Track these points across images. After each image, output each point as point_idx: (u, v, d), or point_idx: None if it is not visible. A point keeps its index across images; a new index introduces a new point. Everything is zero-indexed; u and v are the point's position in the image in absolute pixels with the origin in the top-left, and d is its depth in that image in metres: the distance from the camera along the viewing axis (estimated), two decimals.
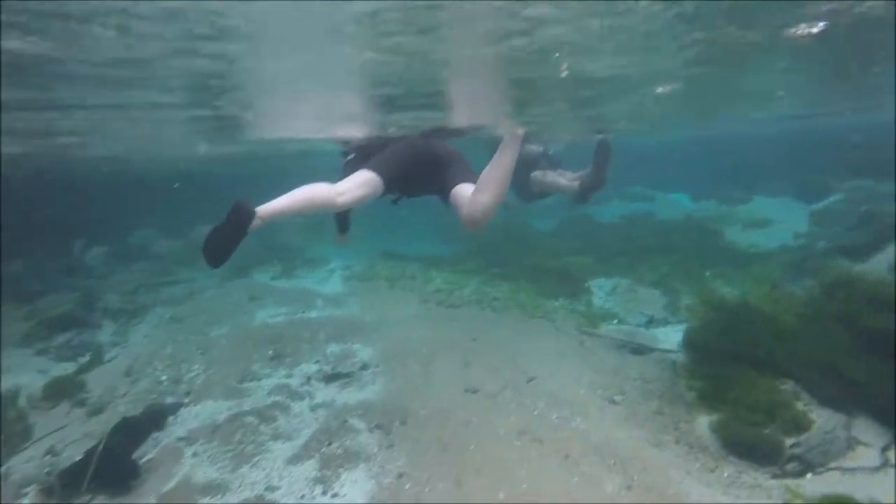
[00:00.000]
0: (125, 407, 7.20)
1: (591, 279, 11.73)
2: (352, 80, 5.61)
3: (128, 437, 6.27)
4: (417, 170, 4.66)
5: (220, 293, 11.96)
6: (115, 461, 5.78)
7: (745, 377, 6.32)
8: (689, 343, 7.56)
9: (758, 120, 15.13)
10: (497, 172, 3.84)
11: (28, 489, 5.68)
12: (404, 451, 5.96)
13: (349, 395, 7.28)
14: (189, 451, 6.16)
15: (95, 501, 5.44)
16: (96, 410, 7.14)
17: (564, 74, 5.71)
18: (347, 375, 7.80)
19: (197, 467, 5.88)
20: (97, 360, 8.67)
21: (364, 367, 8.02)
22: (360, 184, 4.29)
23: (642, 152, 26.20)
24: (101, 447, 5.80)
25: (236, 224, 3.55)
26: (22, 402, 7.30)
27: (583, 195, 6.60)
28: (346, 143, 7.32)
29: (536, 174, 7.05)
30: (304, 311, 10.62)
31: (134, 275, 13.39)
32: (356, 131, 8.04)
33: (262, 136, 9.19)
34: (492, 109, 7.39)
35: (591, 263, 12.81)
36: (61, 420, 6.99)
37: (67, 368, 8.51)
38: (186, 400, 7.32)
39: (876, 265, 9.97)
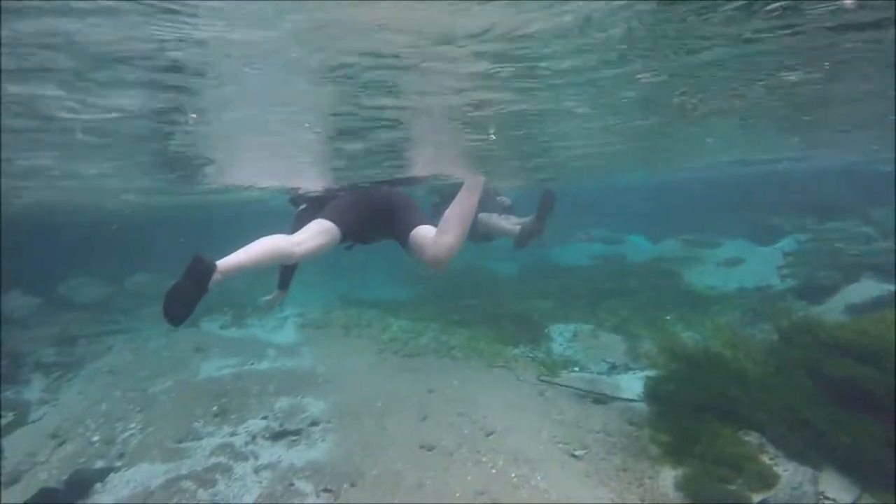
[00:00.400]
0: (47, 474, 6.57)
1: (551, 324, 11.50)
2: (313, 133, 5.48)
3: None
4: (372, 217, 4.69)
5: (163, 344, 11.33)
6: None
7: (709, 429, 6.11)
8: (651, 393, 7.34)
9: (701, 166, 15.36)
10: (460, 213, 4.02)
11: None
12: None
13: (297, 455, 6.80)
14: None
15: None
16: (12, 480, 6.49)
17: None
18: (296, 433, 7.32)
19: None
20: (20, 421, 7.98)
21: (314, 422, 7.54)
22: (316, 233, 4.26)
23: (599, 195, 26.58)
24: None
25: (196, 279, 3.42)
26: None
27: (522, 240, 6.57)
28: (295, 191, 7.08)
29: (482, 216, 7.02)
30: (253, 363, 10.10)
31: (70, 325, 12.60)
32: (312, 183, 7.83)
33: (219, 181, 8.80)
34: (451, 161, 7.33)
35: (551, 308, 12.62)
36: None
37: None
38: (118, 464, 6.73)
39: (833, 307, 10.03)
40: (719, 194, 21.93)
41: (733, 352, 7.49)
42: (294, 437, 7.22)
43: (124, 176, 7.80)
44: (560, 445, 6.79)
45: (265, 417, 7.79)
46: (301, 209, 5.39)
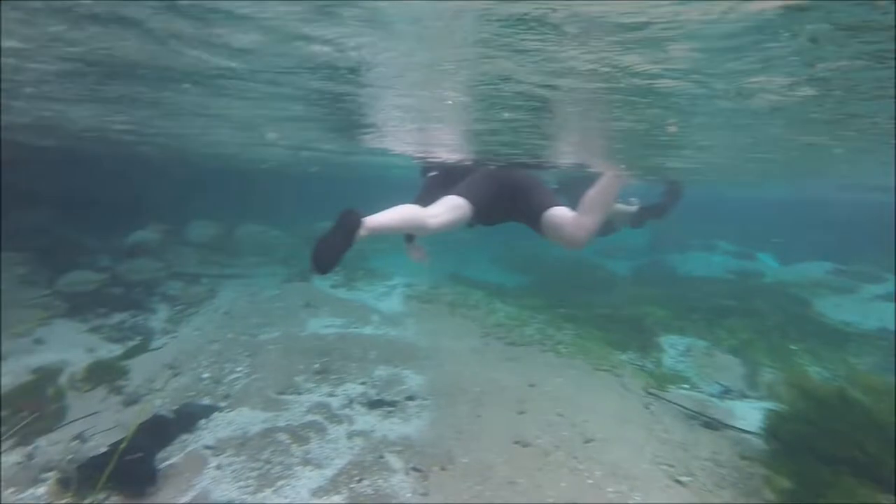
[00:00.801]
0: (161, 401, 6.95)
1: (663, 334, 10.85)
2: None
3: (155, 436, 5.98)
4: (505, 198, 4.78)
5: (277, 295, 11.77)
6: (137, 462, 5.46)
7: (841, 484, 5.43)
8: (772, 429, 6.67)
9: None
10: (601, 198, 4.16)
11: (48, 475, 5.44)
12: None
13: (390, 427, 6.77)
14: (213, 463, 5.78)
15: (108, 502, 5.13)
16: (132, 401, 6.92)
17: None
18: (391, 404, 7.31)
19: (218, 482, 5.49)
20: (144, 347, 8.53)
21: (411, 397, 7.50)
22: (451, 208, 4.39)
23: (732, 206, 24.94)
24: (124, 444, 5.50)
25: (344, 231, 3.62)
26: (63, 380, 7.17)
27: (640, 217, 6.46)
28: (426, 160, 7.05)
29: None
30: (357, 326, 10.24)
31: (195, 264, 13.37)
32: (449, 155, 7.86)
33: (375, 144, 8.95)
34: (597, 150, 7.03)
35: (665, 317, 11.90)
36: (96, 405, 6.79)
37: (114, 350, 8.40)
38: (222, 404, 7.00)
39: None
40: (871, 219, 19.91)
41: (875, 400, 6.65)
42: (389, 409, 7.20)
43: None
44: (663, 467, 6.33)
45: (363, 383, 7.84)
46: (431, 177, 5.47)
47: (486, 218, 4.83)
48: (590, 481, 5.88)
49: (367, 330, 10.09)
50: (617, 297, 13.35)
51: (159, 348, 8.63)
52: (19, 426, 5.99)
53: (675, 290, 14.57)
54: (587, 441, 6.66)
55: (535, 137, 6.45)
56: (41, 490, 5.27)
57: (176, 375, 7.71)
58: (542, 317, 11.73)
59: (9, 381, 6.98)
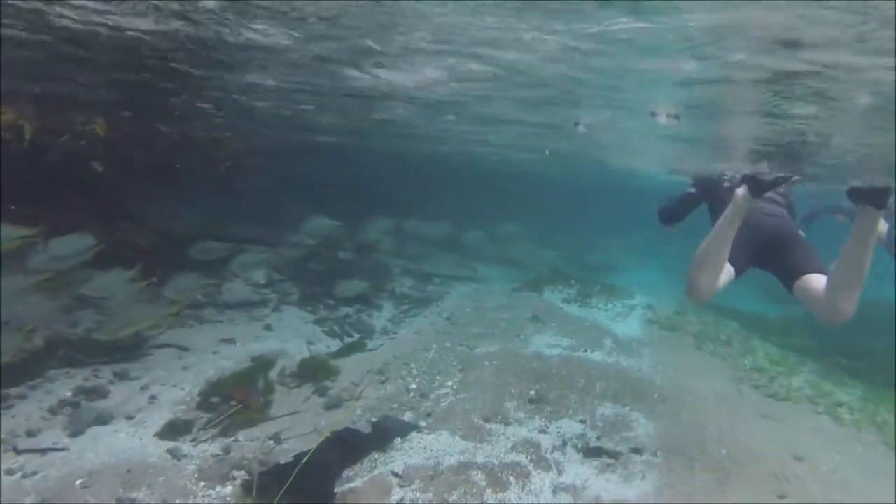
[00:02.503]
0: (361, 410, 6.53)
1: None
2: None
3: (345, 450, 5.51)
4: (762, 253, 4.40)
5: (503, 303, 11.03)
6: (318, 478, 5.01)
7: None
8: None
9: None
10: (855, 268, 3.48)
11: (238, 473, 5.24)
12: None
13: (607, 486, 5.50)
14: (398, 495, 5.08)
15: None
16: (334, 405, 6.59)
17: None
18: (613, 455, 6.01)
19: None
20: (360, 346, 8.34)
21: (637, 449, 6.12)
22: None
23: None
24: (307, 458, 5.08)
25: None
26: (274, 372, 7.15)
27: None
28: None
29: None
30: (586, 350, 9.02)
31: (427, 262, 13.26)
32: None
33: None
34: None
35: None
36: (299, 405, 6.61)
37: (332, 346, 8.33)
38: (423, 423, 6.34)
39: None
40: None
41: None
42: (609, 461, 5.92)
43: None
44: None
45: (582, 421, 6.66)
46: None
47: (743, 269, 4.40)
48: None
49: (597, 355, 8.81)
50: None
51: (374, 349, 8.37)
52: (226, 415, 5.96)
53: None
54: None
55: None
56: (228, 489, 5.05)
57: (384, 382, 7.30)
58: (815, 365, 9.37)
59: (231, 366, 7.17)
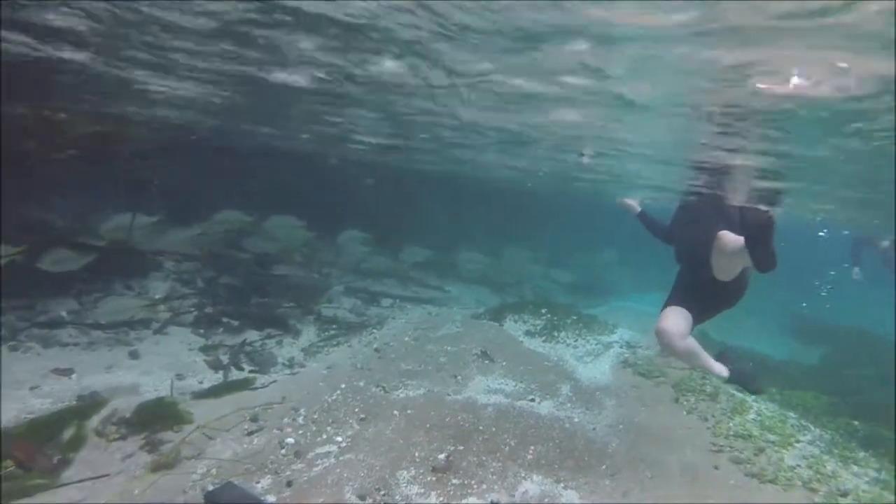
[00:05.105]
0: (201, 475, 4.93)
1: None
2: None
3: None
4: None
5: (453, 334, 9.39)
6: None
7: None
8: None
9: None
10: None
11: None
12: None
13: None
14: None
15: None
16: (164, 465, 4.95)
17: None
18: None
19: None
20: (246, 383, 6.73)
21: None
22: None
23: None
24: None
25: None
26: (96, 420, 5.50)
27: None
28: None
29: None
30: (535, 398, 7.38)
31: (382, 281, 11.72)
32: None
33: None
34: None
35: None
36: (114, 464, 4.98)
37: (206, 381, 6.77)
38: (272, 499, 4.74)
39: None
40: None
41: None
42: None
43: None
44: None
45: None
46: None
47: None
48: None
49: (545, 407, 7.15)
50: None
51: (262, 387, 6.74)
52: None
53: None
54: None
55: None
56: None
57: (253, 433, 5.70)
58: (819, 431, 7.60)
59: (46, 406, 5.57)
